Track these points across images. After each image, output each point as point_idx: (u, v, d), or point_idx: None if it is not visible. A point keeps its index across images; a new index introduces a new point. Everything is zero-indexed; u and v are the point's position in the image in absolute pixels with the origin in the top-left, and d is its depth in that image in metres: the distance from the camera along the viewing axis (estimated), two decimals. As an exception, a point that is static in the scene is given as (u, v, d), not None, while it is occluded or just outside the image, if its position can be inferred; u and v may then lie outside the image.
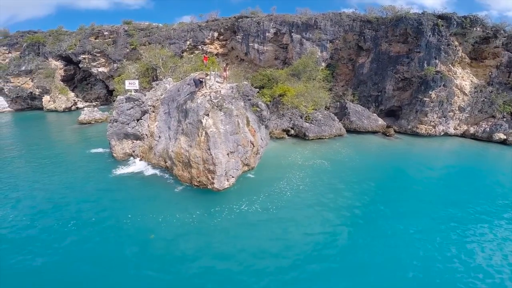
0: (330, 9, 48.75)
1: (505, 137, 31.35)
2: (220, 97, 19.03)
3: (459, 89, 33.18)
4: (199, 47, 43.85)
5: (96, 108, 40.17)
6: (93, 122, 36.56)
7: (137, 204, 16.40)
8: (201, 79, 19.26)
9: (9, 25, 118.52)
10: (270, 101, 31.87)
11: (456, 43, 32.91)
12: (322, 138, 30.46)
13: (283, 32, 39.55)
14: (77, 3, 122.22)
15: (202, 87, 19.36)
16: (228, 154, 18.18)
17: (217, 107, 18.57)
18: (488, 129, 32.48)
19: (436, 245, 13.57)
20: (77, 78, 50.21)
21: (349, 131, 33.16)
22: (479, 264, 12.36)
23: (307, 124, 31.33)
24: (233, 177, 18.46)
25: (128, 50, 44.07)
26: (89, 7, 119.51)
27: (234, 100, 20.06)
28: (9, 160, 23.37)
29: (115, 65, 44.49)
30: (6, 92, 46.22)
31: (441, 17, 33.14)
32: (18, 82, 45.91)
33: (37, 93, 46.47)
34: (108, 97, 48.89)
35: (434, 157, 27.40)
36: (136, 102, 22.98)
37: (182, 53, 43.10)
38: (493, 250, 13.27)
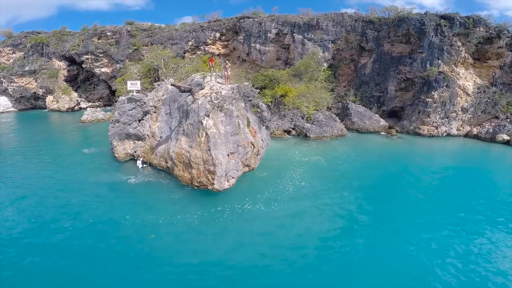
0: (330, 9, 48.56)
1: (508, 138, 31.07)
2: (220, 98, 19.07)
3: (462, 89, 32.97)
4: (201, 47, 43.95)
5: (98, 109, 40.44)
6: (96, 122, 36.82)
7: (137, 204, 16.42)
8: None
9: (12, 26, 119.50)
10: (271, 102, 31.90)
11: (459, 43, 32.71)
12: (323, 138, 30.48)
13: (285, 33, 39.52)
14: (77, 4, 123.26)
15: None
16: (228, 155, 18.20)
17: (217, 108, 18.61)
18: (491, 130, 32.22)
19: (432, 247, 13.48)
20: (80, 79, 50.56)
21: (351, 131, 33.17)
22: (479, 267, 12.26)
23: (308, 124, 31.32)
24: (233, 177, 18.47)
25: (130, 50, 44.30)
26: (90, 8, 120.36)
27: (234, 101, 20.09)
28: (12, 160, 23.52)
29: (118, 65, 44.74)
30: (10, 92, 46.68)
31: (444, 17, 32.94)
32: (22, 82, 46.35)
33: (40, 93, 46.91)
34: (111, 97, 49.16)
35: (434, 155, 27.51)
36: (137, 103, 23.08)
37: (184, 53, 43.25)
38: (491, 252, 13.17)
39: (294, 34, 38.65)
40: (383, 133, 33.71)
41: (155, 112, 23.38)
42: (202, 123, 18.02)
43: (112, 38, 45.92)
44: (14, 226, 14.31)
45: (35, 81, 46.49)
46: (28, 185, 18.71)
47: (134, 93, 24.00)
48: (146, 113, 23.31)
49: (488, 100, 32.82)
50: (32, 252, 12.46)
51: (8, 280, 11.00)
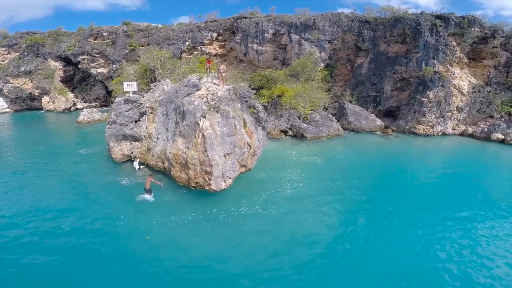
0: (327, 9, 48.81)
1: (503, 137, 31.38)
2: (217, 99, 19.12)
3: (457, 89, 33.23)
4: (198, 48, 43.90)
5: (95, 109, 40.30)
6: (92, 122, 36.72)
7: (132, 205, 16.36)
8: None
9: (8, 26, 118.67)
10: (268, 102, 31.97)
11: (454, 43, 32.95)
12: (320, 138, 30.63)
13: (281, 33, 39.58)
14: (73, 5, 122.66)
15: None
16: (224, 156, 18.25)
17: (214, 109, 18.66)
18: (486, 129, 32.53)
19: (427, 245, 13.65)
20: (77, 79, 50.33)
21: (347, 131, 33.40)
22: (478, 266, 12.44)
23: (305, 124, 31.42)
24: (230, 178, 18.53)
25: (127, 51, 44.14)
26: (85, 8, 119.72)
27: (231, 102, 20.13)
28: (6, 161, 23.32)
29: (114, 66, 44.59)
30: (6, 93, 46.35)
31: (439, 17, 33.15)
32: (18, 83, 46.04)
33: (36, 94, 46.62)
34: (107, 98, 48.98)
35: (431, 154, 27.80)
36: (134, 104, 23.04)
37: (181, 54, 43.18)
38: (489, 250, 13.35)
39: (291, 34, 38.73)
40: (379, 132, 33.92)
41: (151, 113, 23.37)
42: (198, 124, 18.06)
43: (108, 39, 45.76)
44: (7, 226, 14.21)
45: (31, 82, 46.22)
46: (21, 185, 18.59)
47: (131, 94, 23.96)
48: (142, 114, 23.30)
49: (483, 100, 33.10)
50: (26, 253, 12.41)
51: (2, 279, 11.00)
